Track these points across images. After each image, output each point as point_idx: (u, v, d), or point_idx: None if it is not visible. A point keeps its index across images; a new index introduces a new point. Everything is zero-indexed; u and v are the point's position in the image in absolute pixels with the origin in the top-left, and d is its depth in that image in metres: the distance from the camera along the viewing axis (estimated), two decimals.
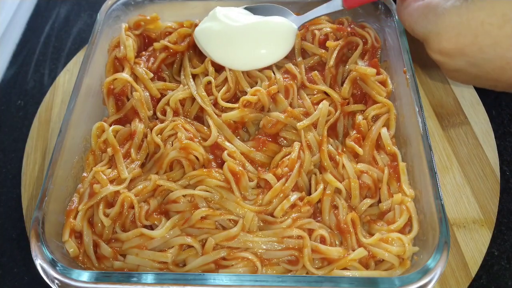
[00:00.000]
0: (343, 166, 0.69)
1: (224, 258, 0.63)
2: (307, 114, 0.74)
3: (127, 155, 0.72)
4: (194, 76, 0.81)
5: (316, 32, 0.82)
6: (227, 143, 0.72)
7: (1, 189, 0.83)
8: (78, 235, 0.65)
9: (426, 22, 0.59)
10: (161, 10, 0.87)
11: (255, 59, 0.74)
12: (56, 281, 0.56)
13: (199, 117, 0.79)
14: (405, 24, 0.65)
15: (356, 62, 0.79)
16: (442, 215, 0.58)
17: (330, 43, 0.80)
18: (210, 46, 0.72)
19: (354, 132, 0.74)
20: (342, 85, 0.79)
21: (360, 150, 0.70)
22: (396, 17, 0.80)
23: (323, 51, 0.81)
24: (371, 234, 0.65)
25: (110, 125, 0.75)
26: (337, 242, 0.65)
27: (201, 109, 0.77)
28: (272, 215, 0.66)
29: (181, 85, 0.79)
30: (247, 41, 0.72)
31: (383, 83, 0.77)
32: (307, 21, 0.74)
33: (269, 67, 0.80)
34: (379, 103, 0.75)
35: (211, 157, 0.72)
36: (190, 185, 0.69)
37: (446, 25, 0.56)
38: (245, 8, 0.78)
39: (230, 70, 0.78)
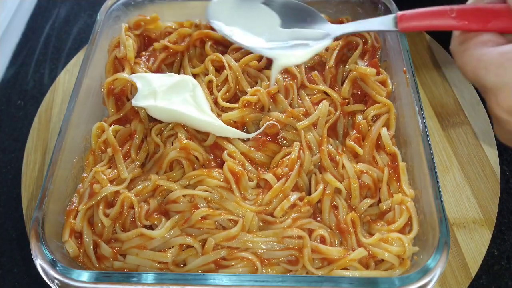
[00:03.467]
0: (343, 166, 0.69)
1: (224, 258, 0.63)
2: (307, 114, 0.74)
3: (127, 155, 0.72)
4: (195, 76, 0.81)
5: None
6: (227, 143, 0.72)
7: (1, 189, 0.83)
8: (78, 235, 0.65)
9: (503, 71, 0.50)
10: (161, 10, 0.87)
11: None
12: (56, 281, 0.56)
13: None
14: (466, 68, 0.54)
15: (356, 62, 0.79)
16: (442, 215, 0.58)
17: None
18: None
19: (354, 132, 0.74)
20: (342, 85, 0.79)
21: (360, 150, 0.70)
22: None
23: (323, 51, 0.81)
24: (371, 234, 0.65)
25: (110, 125, 0.75)
26: (337, 242, 0.65)
27: None
28: (272, 215, 0.66)
29: None
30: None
31: (383, 83, 0.77)
32: (346, 34, 0.65)
33: (269, 67, 0.80)
34: (379, 103, 0.75)
35: (211, 157, 0.72)
36: (190, 185, 0.69)
37: None
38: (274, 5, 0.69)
39: (230, 69, 0.79)
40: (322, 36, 0.65)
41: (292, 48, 0.64)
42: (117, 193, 0.67)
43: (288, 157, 0.69)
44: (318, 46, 0.63)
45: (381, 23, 0.61)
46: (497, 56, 0.51)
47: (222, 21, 0.68)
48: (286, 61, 0.65)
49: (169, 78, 0.76)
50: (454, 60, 0.56)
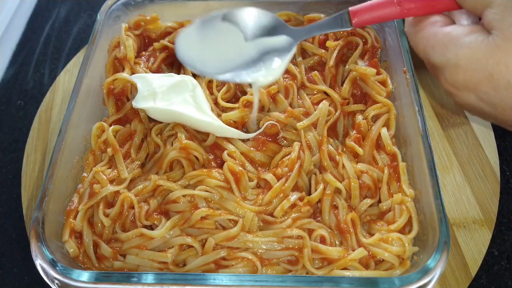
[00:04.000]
0: (343, 166, 0.69)
1: (224, 258, 0.63)
2: (307, 114, 0.74)
3: (127, 155, 0.73)
4: (195, 76, 0.81)
5: None
6: (227, 143, 0.72)
7: (1, 189, 0.83)
8: (78, 235, 0.65)
9: (446, 50, 0.56)
10: (161, 10, 0.87)
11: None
12: (56, 281, 0.56)
13: None
14: (417, 48, 0.62)
15: (356, 62, 0.79)
16: (442, 215, 0.58)
17: (330, 43, 0.80)
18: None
19: (354, 132, 0.74)
20: (342, 85, 0.79)
21: (360, 150, 0.70)
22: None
23: (323, 51, 0.81)
24: (371, 234, 0.65)
25: (110, 125, 0.75)
26: (337, 242, 0.65)
27: None
28: (272, 215, 0.66)
29: None
30: None
31: (383, 83, 0.77)
32: (307, 37, 0.68)
33: None
34: (379, 103, 0.75)
35: (211, 157, 0.72)
36: (190, 185, 0.69)
37: (467, 58, 0.55)
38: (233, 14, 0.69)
39: None
40: (286, 42, 0.67)
41: (265, 67, 0.66)
42: (117, 193, 0.67)
43: (288, 157, 0.69)
44: (288, 58, 0.66)
45: (336, 23, 0.65)
46: (442, 37, 0.58)
47: (192, 55, 0.68)
48: (264, 81, 0.66)
49: (169, 78, 0.76)
50: (408, 41, 0.63)
